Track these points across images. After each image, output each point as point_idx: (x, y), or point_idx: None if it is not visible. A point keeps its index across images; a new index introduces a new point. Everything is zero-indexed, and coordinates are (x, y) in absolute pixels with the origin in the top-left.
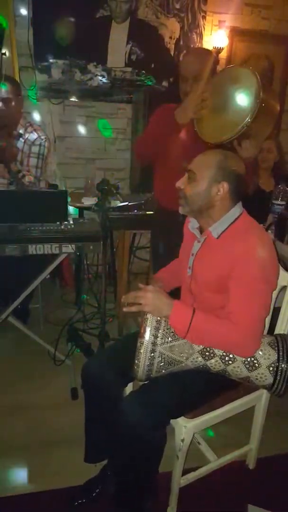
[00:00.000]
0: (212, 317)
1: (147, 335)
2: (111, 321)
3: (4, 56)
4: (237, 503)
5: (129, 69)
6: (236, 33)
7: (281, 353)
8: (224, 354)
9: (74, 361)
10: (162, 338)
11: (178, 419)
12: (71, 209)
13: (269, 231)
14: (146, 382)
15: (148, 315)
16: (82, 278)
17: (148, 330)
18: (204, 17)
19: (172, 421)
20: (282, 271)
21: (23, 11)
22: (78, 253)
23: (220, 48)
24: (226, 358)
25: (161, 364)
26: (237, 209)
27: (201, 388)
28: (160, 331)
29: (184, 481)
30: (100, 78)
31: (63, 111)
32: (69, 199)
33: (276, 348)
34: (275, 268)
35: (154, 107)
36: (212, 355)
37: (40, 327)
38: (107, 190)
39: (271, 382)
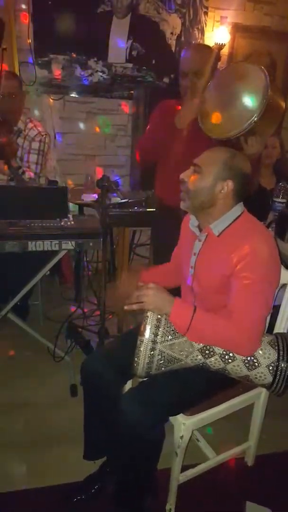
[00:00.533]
0: (213, 316)
1: (147, 333)
2: (111, 317)
3: (4, 51)
4: (235, 500)
5: (130, 65)
6: (238, 29)
7: (281, 352)
8: (224, 352)
9: (74, 358)
10: (162, 336)
11: (177, 416)
12: (70, 205)
13: (270, 229)
14: (145, 379)
15: (149, 313)
16: (81, 275)
17: (148, 328)
18: (206, 13)
19: (171, 418)
20: (282, 269)
21: (23, 6)
22: (78, 250)
23: (222, 44)
24: (226, 357)
25: (161, 362)
26: (238, 208)
27: (201, 386)
28: (160, 329)
29: (183, 478)
30: (100, 74)
31: (63, 107)
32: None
33: (276, 348)
34: (277, 267)
35: (155, 103)
36: (212, 353)
37: (40, 323)
38: (107, 186)
39: (271, 381)
